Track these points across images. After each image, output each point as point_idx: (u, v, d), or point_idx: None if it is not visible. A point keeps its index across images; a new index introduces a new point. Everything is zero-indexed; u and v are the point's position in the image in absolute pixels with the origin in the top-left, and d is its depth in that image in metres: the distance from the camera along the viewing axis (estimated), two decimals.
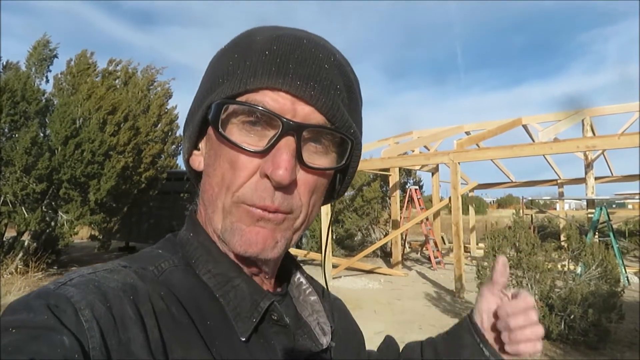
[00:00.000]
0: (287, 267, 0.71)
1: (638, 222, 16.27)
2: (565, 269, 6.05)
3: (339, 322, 0.75)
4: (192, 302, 0.55)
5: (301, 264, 0.75)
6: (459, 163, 9.58)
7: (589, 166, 12.20)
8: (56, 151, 9.96)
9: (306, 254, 14.06)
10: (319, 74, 0.56)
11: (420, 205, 14.44)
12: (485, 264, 6.35)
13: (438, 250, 14.43)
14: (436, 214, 16.00)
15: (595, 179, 16.08)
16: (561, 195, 16.65)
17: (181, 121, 15.81)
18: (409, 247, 16.97)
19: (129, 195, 11.74)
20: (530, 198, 13.25)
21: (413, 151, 13.42)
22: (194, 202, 0.67)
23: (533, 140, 13.57)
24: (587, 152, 12.07)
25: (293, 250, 11.73)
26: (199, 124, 0.61)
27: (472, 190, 18.94)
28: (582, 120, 12.03)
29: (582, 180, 16.10)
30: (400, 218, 13.97)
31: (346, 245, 16.20)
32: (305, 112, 0.56)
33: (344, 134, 0.58)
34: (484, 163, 17.14)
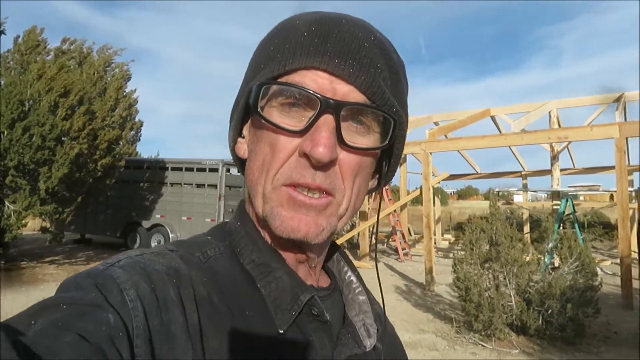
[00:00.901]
0: (338, 263, 0.71)
1: (595, 214, 16.64)
2: (542, 262, 5.92)
3: (388, 348, 0.71)
4: (233, 290, 0.56)
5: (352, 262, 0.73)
6: (430, 153, 9.39)
7: (554, 158, 12.28)
8: (2, 135, 9.17)
9: None
10: (358, 52, 0.55)
11: (388, 196, 14.27)
12: (462, 256, 6.15)
13: (405, 241, 14.33)
14: (403, 206, 15.89)
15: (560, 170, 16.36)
16: (525, 187, 16.83)
17: (141, 105, 14.99)
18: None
19: (84, 184, 10.97)
20: (497, 189, 13.26)
21: None
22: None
23: (500, 132, 13.58)
24: (553, 144, 12.13)
25: None
26: (242, 111, 0.61)
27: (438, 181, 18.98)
28: (549, 112, 12.07)
29: (546, 172, 16.34)
30: (368, 209, 13.76)
31: None
32: (344, 91, 0.55)
33: (385, 112, 0.57)
34: (450, 154, 17.10)
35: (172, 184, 13.36)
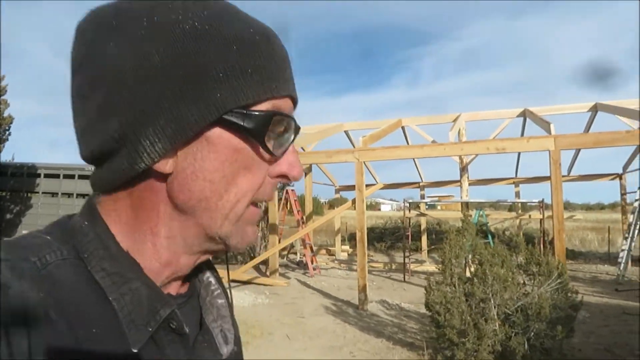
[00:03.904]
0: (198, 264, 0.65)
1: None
2: (523, 281, 5.51)
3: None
4: (78, 304, 0.49)
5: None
6: (364, 162, 8.75)
7: (464, 169, 12.49)
8: None
9: None
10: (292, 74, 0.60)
11: (296, 207, 13.42)
12: (438, 278, 5.50)
13: (314, 255, 13.58)
14: (309, 217, 15.16)
15: (447, 182, 16.97)
16: (422, 197, 17.19)
17: None
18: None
19: None
20: (410, 200, 13.12)
21: (303, 148, 12.34)
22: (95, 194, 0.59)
23: (353, 146, 13.59)
24: (462, 156, 12.33)
25: None
26: (200, 126, 0.52)
27: (338, 192, 18.61)
28: (456, 126, 12.26)
29: (443, 184, 16.84)
30: (278, 222, 12.76)
31: None
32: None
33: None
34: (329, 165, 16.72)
35: (45, 194, 10.98)
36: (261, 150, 0.55)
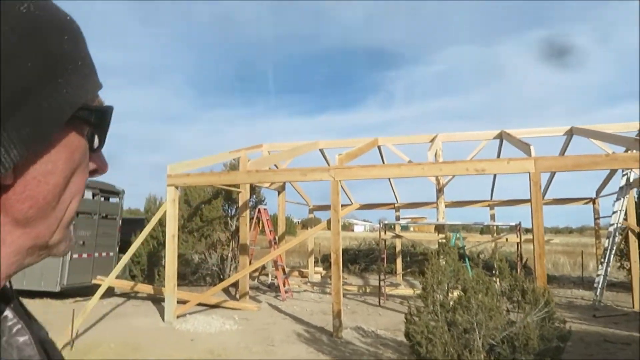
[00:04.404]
0: None
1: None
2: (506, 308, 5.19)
3: None
4: None
5: (14, 290, 0.55)
6: (340, 181, 8.41)
7: (440, 191, 12.28)
8: None
9: (133, 286, 11.28)
10: None
11: (269, 227, 12.94)
12: (417, 304, 5.14)
13: (286, 277, 13.09)
14: (282, 237, 14.68)
15: (418, 204, 16.80)
16: (398, 218, 16.93)
17: None
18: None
19: None
20: (386, 221, 12.82)
21: (276, 166, 11.95)
22: None
23: (328, 164, 13.32)
24: (439, 177, 12.14)
25: (116, 282, 8.94)
26: (57, 126, 0.47)
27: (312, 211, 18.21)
28: (434, 147, 12.09)
29: (417, 205, 16.64)
30: (249, 242, 12.26)
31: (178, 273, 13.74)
32: None
33: None
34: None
35: None
36: (88, 146, 0.53)
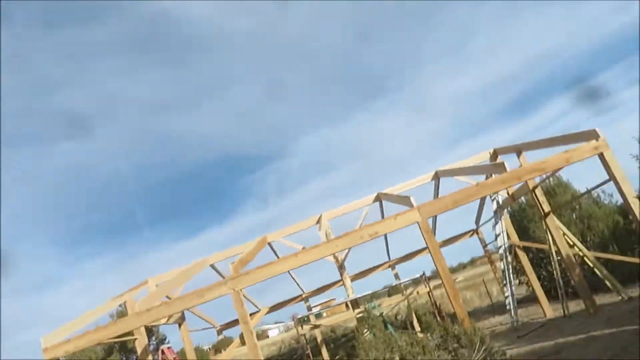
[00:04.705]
0: None
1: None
2: None
3: None
4: None
5: None
6: (241, 290, 7.90)
7: (341, 267, 12.20)
8: None
9: None
10: None
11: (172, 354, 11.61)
12: None
13: None
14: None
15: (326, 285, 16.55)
16: (309, 309, 16.39)
17: None
18: None
19: None
20: (299, 316, 12.25)
21: (168, 297, 10.92)
22: None
23: (223, 277, 12.97)
24: (336, 254, 12.09)
25: None
26: None
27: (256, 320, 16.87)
28: (323, 226, 12.15)
29: (327, 287, 16.34)
30: None
31: None
32: None
33: None
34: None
35: None
36: None
